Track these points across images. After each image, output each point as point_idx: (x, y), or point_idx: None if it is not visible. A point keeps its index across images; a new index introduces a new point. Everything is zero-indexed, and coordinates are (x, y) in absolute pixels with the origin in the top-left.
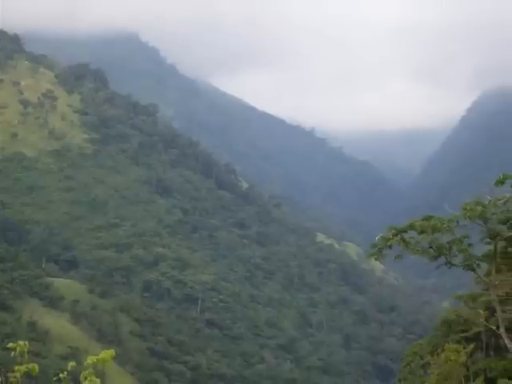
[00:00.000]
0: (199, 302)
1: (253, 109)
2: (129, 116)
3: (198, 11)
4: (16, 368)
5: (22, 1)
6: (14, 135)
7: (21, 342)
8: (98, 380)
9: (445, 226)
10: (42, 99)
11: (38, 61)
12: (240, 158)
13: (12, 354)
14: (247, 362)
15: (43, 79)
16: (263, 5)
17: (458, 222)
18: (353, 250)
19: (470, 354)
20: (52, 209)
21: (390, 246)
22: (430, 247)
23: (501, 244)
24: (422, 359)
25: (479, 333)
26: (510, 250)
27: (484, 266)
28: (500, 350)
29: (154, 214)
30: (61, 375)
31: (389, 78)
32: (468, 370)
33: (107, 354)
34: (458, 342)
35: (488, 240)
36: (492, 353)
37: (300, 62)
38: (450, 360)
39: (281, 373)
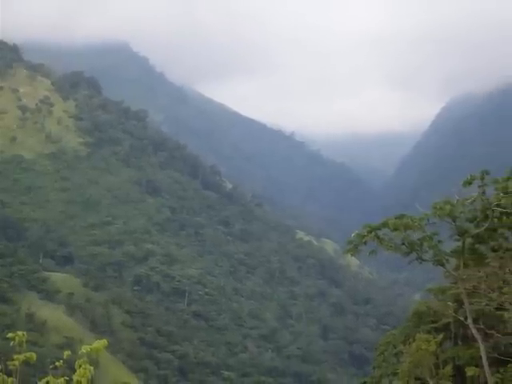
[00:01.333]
0: (186, 294)
1: (236, 114)
2: (120, 121)
3: (185, 23)
4: (15, 356)
5: (21, 13)
6: (13, 139)
7: (19, 333)
8: (92, 368)
9: (416, 224)
10: (39, 105)
11: (35, 69)
12: (224, 161)
13: (11, 343)
14: (231, 350)
15: (40, 86)
16: (245, 17)
17: (428, 220)
18: (330, 247)
19: (440, 344)
20: (49, 208)
21: (365, 243)
22: (403, 244)
23: (468, 241)
24: (395, 348)
25: (448, 323)
26: (476, 246)
27: (453, 261)
28: (467, 339)
29: (144, 213)
30: (57, 363)
31: (364, 85)
32: (437, 358)
33: (100, 343)
34: (429, 332)
35: (456, 237)
36: (460, 342)
37: (280, 70)
38: (421, 349)
39: (262, 361)
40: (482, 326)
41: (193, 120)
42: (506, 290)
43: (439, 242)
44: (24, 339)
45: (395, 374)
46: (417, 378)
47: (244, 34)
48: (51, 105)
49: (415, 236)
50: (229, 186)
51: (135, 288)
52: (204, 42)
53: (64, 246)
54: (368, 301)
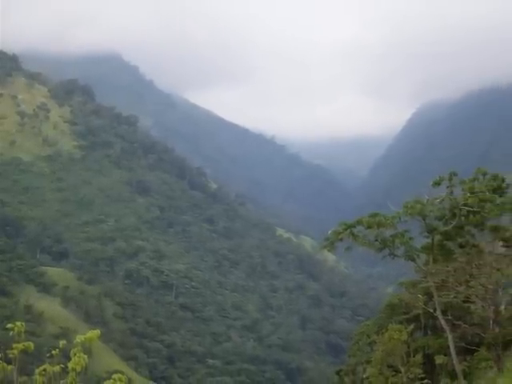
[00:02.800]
0: (174, 288)
1: (221, 119)
2: (112, 125)
3: (173, 35)
4: (14, 345)
5: (19, 25)
6: (12, 142)
7: (18, 323)
8: (86, 356)
9: (388, 221)
10: (36, 111)
11: (33, 77)
12: (210, 163)
13: (10, 333)
14: (216, 340)
15: (38, 93)
16: (230, 30)
17: (400, 219)
18: (308, 243)
19: (411, 334)
20: (45, 206)
21: (341, 239)
22: (376, 240)
23: (437, 238)
24: (369, 338)
25: (418, 315)
26: (445, 242)
27: (423, 256)
28: (436, 330)
29: (135, 211)
30: (53, 352)
31: (340, 92)
32: (409, 347)
33: (93, 333)
34: (400, 322)
35: (426, 234)
36: (429, 332)
37: (262, 78)
38: (393, 338)
39: (245, 350)
40: (450, 318)
41: (180, 125)
42: (472, 283)
43: (410, 238)
44: (22, 329)
45: (369, 362)
46: (389, 366)
47: (228, 46)
48: (48, 110)
49: (388, 233)
50: (214, 186)
51: (126, 282)
52: (191, 53)
53: (60, 242)
54: (343, 294)
